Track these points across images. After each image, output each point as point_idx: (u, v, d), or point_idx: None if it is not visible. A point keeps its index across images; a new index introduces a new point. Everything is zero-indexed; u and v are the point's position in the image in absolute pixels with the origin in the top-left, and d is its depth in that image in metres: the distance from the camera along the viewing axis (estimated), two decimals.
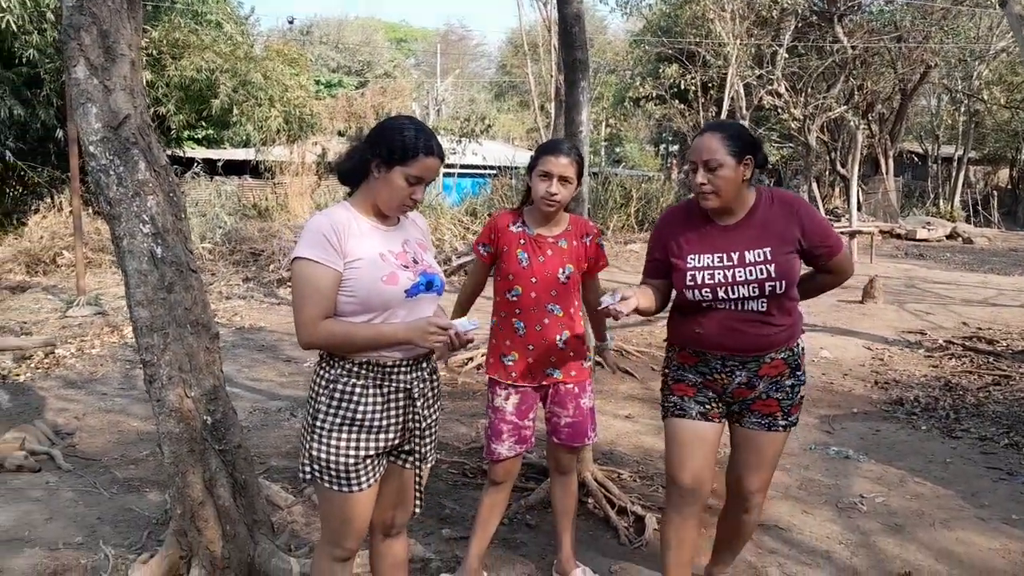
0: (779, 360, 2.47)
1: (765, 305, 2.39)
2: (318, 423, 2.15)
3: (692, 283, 2.42)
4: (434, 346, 2.12)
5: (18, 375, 5.94)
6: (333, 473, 2.15)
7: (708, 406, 2.52)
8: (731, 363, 2.47)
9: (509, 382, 2.85)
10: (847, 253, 2.54)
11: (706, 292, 2.41)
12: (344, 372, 2.14)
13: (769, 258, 2.36)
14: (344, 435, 2.14)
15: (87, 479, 4.02)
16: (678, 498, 2.55)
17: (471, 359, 6.34)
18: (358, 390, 2.14)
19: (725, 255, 2.40)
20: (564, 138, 3.23)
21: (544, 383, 2.87)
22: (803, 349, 2.57)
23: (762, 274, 2.36)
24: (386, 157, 2.11)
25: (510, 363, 2.85)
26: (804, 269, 2.55)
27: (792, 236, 2.39)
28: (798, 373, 2.53)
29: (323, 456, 2.14)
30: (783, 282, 2.36)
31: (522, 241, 2.84)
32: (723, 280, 2.39)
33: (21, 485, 3.91)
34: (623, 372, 6.31)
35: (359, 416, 2.13)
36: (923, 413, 5.39)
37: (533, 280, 2.81)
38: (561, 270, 2.81)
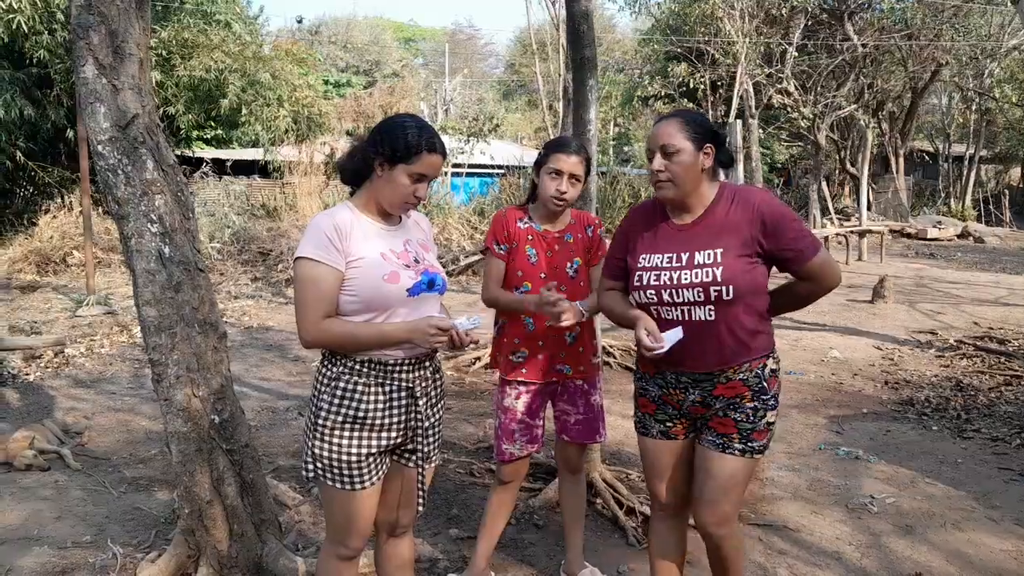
0: (737, 382, 2.26)
1: (712, 314, 2.20)
2: (320, 421, 2.15)
3: (638, 283, 2.31)
4: (435, 346, 2.12)
5: (28, 374, 5.97)
6: (336, 471, 2.15)
7: (669, 423, 2.40)
8: (684, 379, 2.31)
9: (519, 380, 2.84)
10: (826, 259, 2.26)
11: (651, 294, 2.27)
12: (346, 370, 2.14)
13: (719, 260, 2.19)
14: (346, 433, 2.14)
15: (96, 478, 4.03)
16: (659, 510, 2.51)
17: (478, 358, 6.33)
18: (360, 388, 2.14)
19: (675, 256, 2.26)
20: (572, 136, 3.21)
21: (554, 379, 2.86)
22: (773, 372, 2.32)
23: (707, 277, 2.18)
24: (389, 155, 2.11)
25: (520, 360, 2.84)
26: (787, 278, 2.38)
27: (751, 237, 2.20)
28: (764, 397, 2.28)
29: (325, 454, 2.14)
30: (730, 287, 2.17)
31: (530, 237, 2.83)
32: (668, 282, 2.24)
33: (31, 484, 3.93)
34: (631, 371, 6.28)
35: (360, 414, 2.13)
36: (934, 413, 5.35)
37: (542, 276, 2.80)
38: (569, 264, 2.82)
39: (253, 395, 5.56)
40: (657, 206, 2.40)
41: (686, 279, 2.22)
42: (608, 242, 2.95)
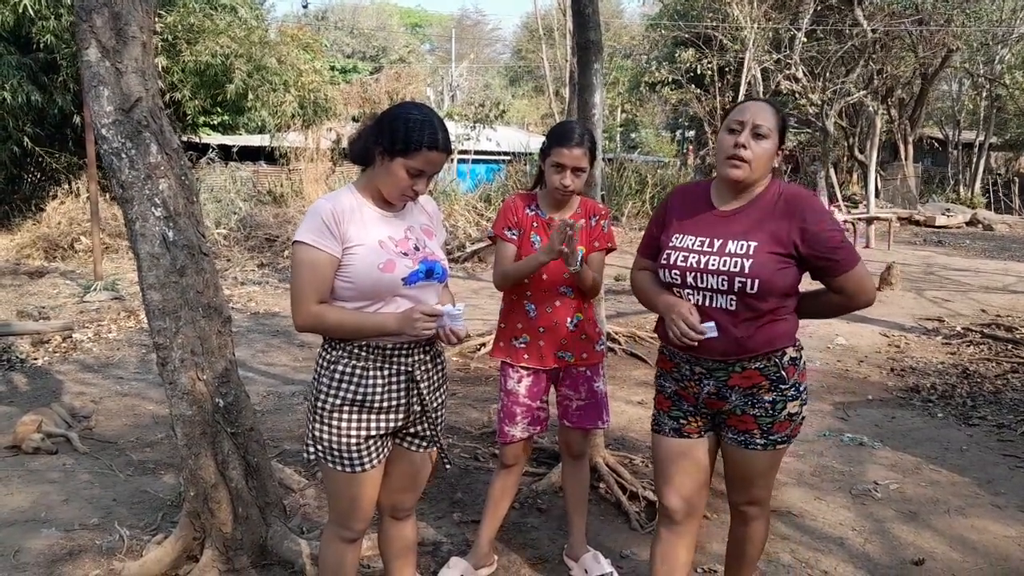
0: (752, 371, 2.20)
1: (734, 304, 2.15)
2: (320, 403, 2.15)
3: (665, 262, 2.27)
4: (424, 335, 2.10)
5: (36, 359, 6.01)
6: (336, 454, 2.16)
7: (683, 420, 2.33)
8: (698, 369, 2.25)
9: (521, 365, 2.85)
10: (862, 274, 2.20)
11: (675, 274, 2.23)
12: (345, 353, 2.14)
13: (750, 253, 2.13)
14: (346, 415, 2.14)
15: (103, 461, 4.06)
16: (665, 516, 2.41)
17: (484, 344, 6.34)
18: (359, 371, 2.14)
19: (708, 240, 2.21)
20: (576, 120, 3.16)
21: (556, 366, 2.86)
22: (792, 360, 2.25)
23: (735, 267, 2.13)
24: (388, 147, 2.08)
25: (521, 346, 2.84)
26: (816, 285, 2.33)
27: (787, 238, 2.15)
28: (782, 387, 2.22)
29: (325, 437, 2.15)
30: (755, 282, 2.11)
31: (535, 224, 2.83)
32: (694, 265, 2.19)
33: (38, 467, 3.96)
34: (635, 358, 6.30)
35: (359, 397, 2.14)
36: (939, 400, 5.34)
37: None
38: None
39: (259, 380, 5.58)
40: (701, 189, 2.35)
41: (713, 265, 2.17)
42: (607, 233, 2.91)
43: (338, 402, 2.14)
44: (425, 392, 2.22)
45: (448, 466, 2.37)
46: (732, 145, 2.16)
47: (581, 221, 2.79)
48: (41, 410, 4.48)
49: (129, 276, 9.14)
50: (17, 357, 5.98)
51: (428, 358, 2.24)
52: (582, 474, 3.03)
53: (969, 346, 6.80)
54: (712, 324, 2.15)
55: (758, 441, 2.26)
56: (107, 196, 11.23)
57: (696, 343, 2.16)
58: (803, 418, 2.33)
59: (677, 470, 2.35)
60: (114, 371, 5.78)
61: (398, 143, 2.06)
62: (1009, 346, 6.73)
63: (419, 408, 2.23)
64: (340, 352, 2.14)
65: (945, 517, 3.57)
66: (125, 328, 7.06)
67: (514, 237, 2.84)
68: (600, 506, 3.58)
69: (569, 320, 2.83)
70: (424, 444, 2.31)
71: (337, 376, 2.14)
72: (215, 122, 16.88)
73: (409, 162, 2.07)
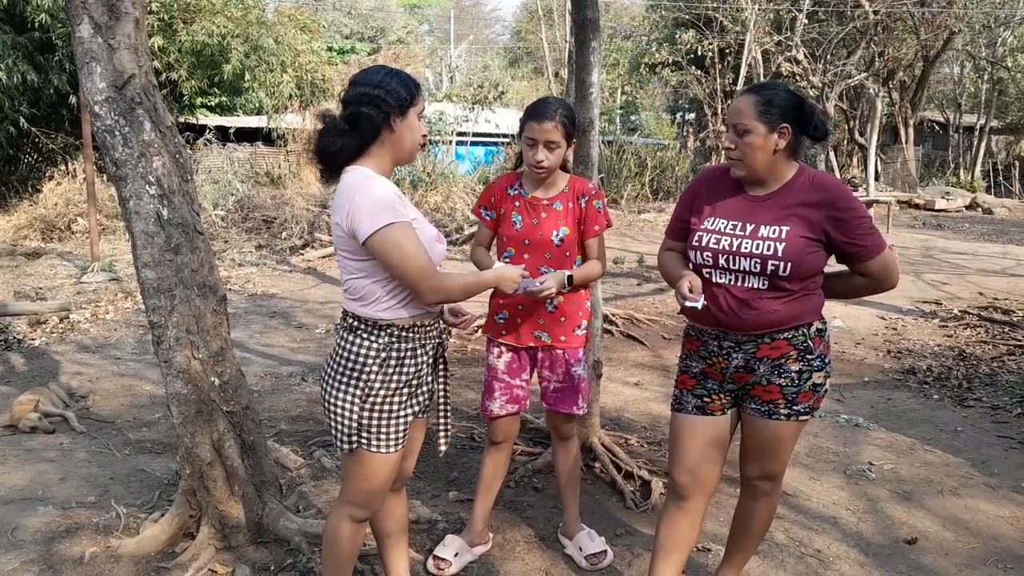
0: (781, 341, 2.27)
1: (765, 284, 2.23)
2: (373, 392, 2.15)
3: (697, 244, 2.32)
4: (508, 292, 2.37)
5: (33, 339, 6.01)
6: (385, 438, 2.18)
7: (708, 398, 2.38)
8: (727, 343, 2.31)
9: (500, 340, 2.87)
10: (889, 260, 2.29)
11: (707, 256, 2.29)
12: (393, 339, 2.16)
13: (783, 237, 2.20)
14: (398, 399, 2.18)
15: (100, 441, 4.07)
16: (674, 491, 2.45)
17: (480, 327, 6.34)
18: (409, 354, 2.18)
19: (740, 224, 2.27)
20: (553, 97, 3.05)
21: (533, 345, 2.85)
22: (819, 332, 2.31)
23: (768, 251, 2.20)
24: (398, 106, 2.12)
25: (501, 322, 2.86)
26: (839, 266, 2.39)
27: (818, 224, 2.21)
28: (809, 357, 2.28)
29: (375, 423, 2.16)
30: (788, 265, 2.19)
31: (517, 204, 2.81)
32: (727, 248, 2.26)
33: (36, 446, 3.97)
34: (632, 340, 6.31)
35: (409, 378, 2.19)
36: (935, 382, 5.35)
37: (526, 242, 2.78)
38: (555, 232, 2.76)
39: (257, 361, 5.58)
40: (730, 172, 2.39)
41: (746, 248, 2.24)
42: (602, 213, 2.84)
43: (393, 385, 2.16)
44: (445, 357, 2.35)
45: (443, 448, 2.43)
46: (724, 147, 2.29)
47: (553, 286, 2.64)
48: (38, 389, 4.48)
49: (126, 257, 9.12)
50: (14, 337, 5.98)
51: (442, 328, 2.34)
52: (570, 455, 3.02)
53: (966, 329, 6.81)
54: (700, 299, 2.26)
55: (782, 411, 2.31)
56: (103, 177, 11.17)
57: (694, 309, 2.26)
58: (826, 390, 2.38)
59: (692, 447, 2.39)
60: (111, 351, 5.78)
61: (404, 97, 2.13)
62: (1006, 329, 6.74)
63: (443, 375, 2.34)
64: (388, 338, 2.15)
65: (939, 497, 3.59)
66: (122, 309, 7.06)
67: (488, 218, 2.86)
68: (595, 485, 3.59)
69: (548, 301, 2.78)
70: (425, 410, 2.35)
71: (392, 362, 2.16)
72: (212, 103, 16.76)
73: (418, 108, 2.17)
